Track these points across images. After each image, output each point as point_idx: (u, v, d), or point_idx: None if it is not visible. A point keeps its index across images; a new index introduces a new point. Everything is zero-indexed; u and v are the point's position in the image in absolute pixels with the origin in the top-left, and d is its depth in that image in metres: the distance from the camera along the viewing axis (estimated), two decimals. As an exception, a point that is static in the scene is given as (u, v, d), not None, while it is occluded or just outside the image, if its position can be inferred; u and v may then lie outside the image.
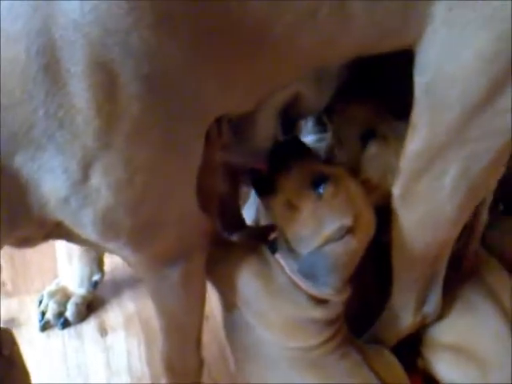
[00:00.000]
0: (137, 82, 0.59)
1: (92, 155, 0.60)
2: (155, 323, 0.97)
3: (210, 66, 0.67)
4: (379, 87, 0.99)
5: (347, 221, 0.85)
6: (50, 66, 0.55)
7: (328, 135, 1.12)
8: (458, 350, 1.06)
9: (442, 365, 1.08)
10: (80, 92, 0.57)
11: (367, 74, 0.94)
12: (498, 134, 0.77)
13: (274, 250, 0.92)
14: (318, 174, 0.87)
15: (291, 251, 0.89)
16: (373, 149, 0.99)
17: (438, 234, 0.91)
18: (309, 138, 1.15)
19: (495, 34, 0.68)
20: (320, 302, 0.90)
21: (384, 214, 0.90)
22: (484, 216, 1.07)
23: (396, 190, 0.88)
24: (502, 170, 0.90)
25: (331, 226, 0.85)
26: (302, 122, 1.15)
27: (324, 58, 0.80)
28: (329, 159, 1.05)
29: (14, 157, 0.58)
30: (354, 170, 0.97)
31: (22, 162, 0.59)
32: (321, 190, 0.85)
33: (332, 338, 0.93)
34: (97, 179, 0.62)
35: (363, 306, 1.10)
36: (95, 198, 0.63)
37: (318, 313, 0.90)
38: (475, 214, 1.03)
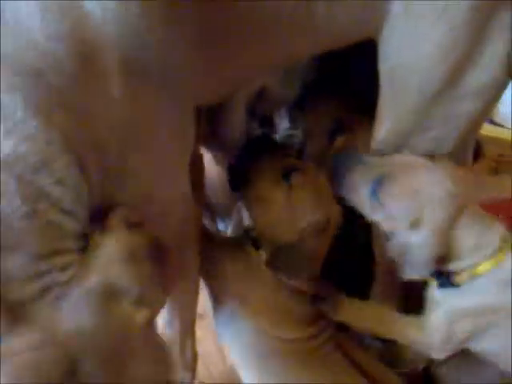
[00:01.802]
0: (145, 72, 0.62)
1: None
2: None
3: (205, 61, 0.71)
4: (346, 83, 1.02)
5: (320, 215, 0.87)
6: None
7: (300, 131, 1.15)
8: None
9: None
10: None
11: (335, 71, 0.97)
12: (458, 120, 0.81)
13: (257, 247, 0.94)
14: (288, 166, 0.89)
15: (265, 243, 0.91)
16: (341, 142, 1.03)
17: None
18: (283, 133, 1.19)
19: (450, 25, 0.72)
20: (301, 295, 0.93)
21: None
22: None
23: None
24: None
25: (305, 221, 0.87)
26: (278, 119, 1.19)
27: (292, 54, 0.83)
28: (300, 154, 1.08)
29: None
30: (323, 164, 0.98)
31: None
32: (290, 180, 0.87)
33: (317, 334, 0.95)
34: None
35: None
36: None
37: (299, 307, 0.93)
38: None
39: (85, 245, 0.56)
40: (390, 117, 0.83)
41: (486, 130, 1.64)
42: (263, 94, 0.94)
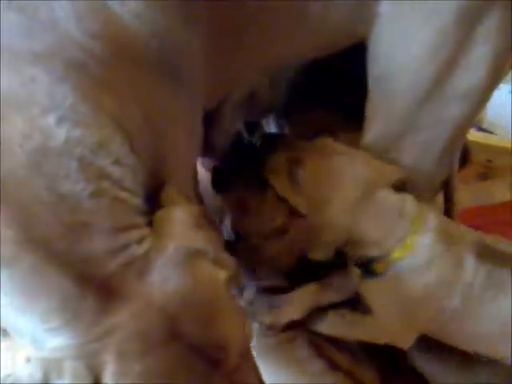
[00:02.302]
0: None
1: None
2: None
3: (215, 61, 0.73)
4: (333, 89, 1.03)
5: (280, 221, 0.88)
6: None
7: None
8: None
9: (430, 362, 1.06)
10: None
11: (322, 77, 0.98)
12: (447, 122, 0.81)
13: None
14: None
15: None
16: None
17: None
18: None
19: (437, 26, 0.73)
20: None
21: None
22: (456, 200, 1.10)
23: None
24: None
25: (268, 226, 0.88)
26: (266, 125, 1.19)
27: (283, 57, 0.84)
28: None
29: None
30: None
31: None
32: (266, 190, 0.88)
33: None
34: None
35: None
36: None
37: None
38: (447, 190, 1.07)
39: (150, 220, 0.58)
40: (379, 119, 0.84)
41: (474, 136, 1.66)
42: (251, 99, 0.94)
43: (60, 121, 0.51)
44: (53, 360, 0.50)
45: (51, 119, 0.51)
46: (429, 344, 0.98)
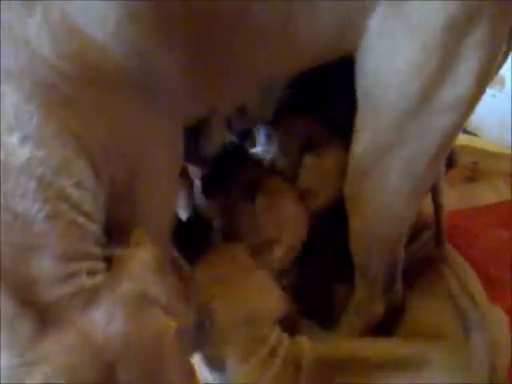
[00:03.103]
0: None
1: None
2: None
3: (194, 81, 0.73)
4: (320, 101, 1.05)
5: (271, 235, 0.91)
6: None
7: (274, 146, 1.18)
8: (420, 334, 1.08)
9: None
10: None
11: (310, 88, 1.00)
12: (435, 133, 0.83)
13: None
14: (253, 181, 0.94)
15: None
16: (309, 160, 1.05)
17: (391, 228, 0.96)
18: (259, 148, 1.21)
19: (421, 43, 0.74)
20: None
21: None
22: (443, 202, 1.12)
23: (346, 190, 0.93)
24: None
25: (256, 239, 0.91)
26: (256, 134, 1.20)
27: (269, 74, 0.85)
28: (273, 169, 1.11)
29: None
30: (295, 179, 1.04)
31: None
32: (253, 201, 0.92)
33: None
34: None
35: (327, 300, 1.15)
36: None
37: None
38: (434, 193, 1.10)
39: (108, 255, 0.57)
40: (367, 131, 0.85)
41: (460, 139, 1.67)
42: (241, 111, 0.95)
43: (24, 140, 0.51)
44: None
45: (15, 138, 0.51)
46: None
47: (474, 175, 1.67)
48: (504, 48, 0.79)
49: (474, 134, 1.76)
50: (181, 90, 0.72)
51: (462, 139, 1.69)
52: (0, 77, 0.53)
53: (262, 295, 0.93)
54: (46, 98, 0.54)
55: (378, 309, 1.09)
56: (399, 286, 1.08)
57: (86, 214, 0.55)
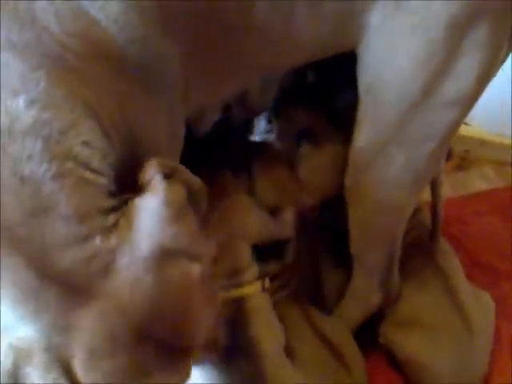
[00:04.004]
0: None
1: None
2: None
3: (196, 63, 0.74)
4: (324, 93, 1.06)
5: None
6: None
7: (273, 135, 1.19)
8: (412, 325, 1.12)
9: (399, 340, 1.13)
10: None
11: (312, 79, 1.01)
12: (436, 128, 0.84)
13: None
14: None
15: None
16: (306, 148, 1.07)
17: (390, 219, 0.98)
18: (257, 137, 1.22)
19: (423, 40, 0.75)
20: None
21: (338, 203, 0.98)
22: (442, 193, 1.16)
23: (346, 182, 0.94)
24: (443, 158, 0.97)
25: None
26: (256, 122, 1.21)
27: (270, 67, 0.86)
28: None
29: None
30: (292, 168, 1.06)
31: None
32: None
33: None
34: None
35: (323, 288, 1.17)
36: None
37: None
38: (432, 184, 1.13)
39: (123, 208, 0.55)
40: (369, 125, 0.86)
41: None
42: (243, 100, 0.96)
43: (30, 103, 0.51)
44: (22, 349, 0.50)
45: (21, 101, 0.51)
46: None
47: (463, 164, 1.70)
48: (506, 46, 0.79)
49: (466, 123, 1.78)
50: (181, 78, 0.72)
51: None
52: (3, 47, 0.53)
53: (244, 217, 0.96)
54: (53, 67, 0.55)
55: (376, 298, 1.11)
56: (396, 276, 1.10)
57: (95, 171, 0.54)
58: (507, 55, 0.88)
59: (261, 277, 0.94)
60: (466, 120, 1.75)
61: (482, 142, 1.70)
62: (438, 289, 1.13)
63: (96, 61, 0.59)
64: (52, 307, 0.50)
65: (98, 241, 0.52)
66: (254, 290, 0.91)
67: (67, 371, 0.50)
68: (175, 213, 0.56)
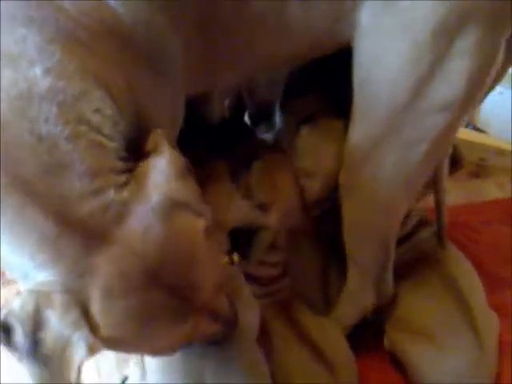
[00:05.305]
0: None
1: None
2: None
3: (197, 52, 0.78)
4: (326, 81, 1.07)
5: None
6: None
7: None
8: (416, 330, 1.10)
9: (405, 347, 1.11)
10: None
11: (316, 70, 1.02)
12: (427, 130, 0.84)
13: None
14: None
15: None
16: (303, 130, 1.08)
17: (382, 218, 0.97)
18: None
19: (411, 42, 0.75)
20: None
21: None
22: (444, 189, 1.14)
23: (341, 178, 0.95)
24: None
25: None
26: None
27: (268, 62, 0.88)
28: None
29: None
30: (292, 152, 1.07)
31: None
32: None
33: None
34: None
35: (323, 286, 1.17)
36: None
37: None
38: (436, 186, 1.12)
39: (134, 169, 0.61)
40: (363, 122, 0.87)
41: (468, 135, 1.69)
42: (251, 94, 0.98)
43: (46, 72, 0.57)
44: (42, 292, 0.55)
45: (38, 70, 0.56)
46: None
47: (479, 171, 1.68)
48: (502, 51, 0.78)
49: (483, 131, 1.76)
50: (183, 65, 0.76)
51: (470, 136, 1.70)
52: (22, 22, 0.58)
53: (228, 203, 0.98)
54: (67, 42, 0.60)
55: (370, 299, 1.11)
56: (390, 277, 1.10)
57: (106, 135, 0.60)
58: (506, 69, 0.88)
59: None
60: (483, 128, 1.76)
61: (499, 151, 1.68)
62: (445, 296, 1.12)
63: (106, 38, 0.64)
64: (70, 253, 0.55)
65: (111, 193, 0.57)
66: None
67: (85, 312, 0.56)
68: (180, 171, 0.62)
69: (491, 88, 0.96)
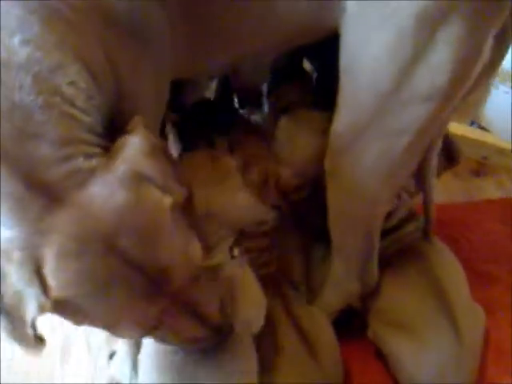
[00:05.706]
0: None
1: None
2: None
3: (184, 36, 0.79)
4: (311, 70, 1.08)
5: None
6: None
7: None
8: (398, 323, 1.12)
9: (386, 339, 1.13)
10: None
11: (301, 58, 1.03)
12: (410, 120, 0.84)
13: None
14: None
15: None
16: (282, 121, 1.10)
17: (365, 207, 0.98)
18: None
19: (395, 30, 0.75)
20: None
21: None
22: (432, 184, 1.14)
23: (326, 165, 0.95)
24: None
25: None
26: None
27: (254, 48, 0.89)
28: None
29: None
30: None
31: None
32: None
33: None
34: None
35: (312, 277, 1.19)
36: None
37: None
38: (424, 181, 1.13)
39: (107, 144, 0.64)
40: (347, 109, 0.87)
41: (471, 133, 1.69)
42: (236, 78, 1.00)
43: (24, 42, 0.59)
44: (4, 250, 0.58)
45: (16, 40, 0.59)
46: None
47: (479, 169, 1.68)
48: (487, 53, 0.78)
49: (487, 130, 1.75)
50: (169, 45, 0.77)
51: (473, 133, 1.70)
52: None
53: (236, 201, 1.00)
54: (49, 15, 0.62)
55: (354, 287, 1.12)
56: (375, 267, 1.11)
57: (79, 108, 0.62)
58: (503, 54, 0.87)
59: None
60: (488, 126, 1.75)
61: (501, 151, 1.68)
62: (426, 290, 1.12)
63: (88, 13, 0.66)
64: (32, 213, 0.58)
65: (80, 161, 0.60)
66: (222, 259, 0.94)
67: (38, 269, 0.58)
68: (151, 149, 0.64)
69: (485, 84, 0.96)
